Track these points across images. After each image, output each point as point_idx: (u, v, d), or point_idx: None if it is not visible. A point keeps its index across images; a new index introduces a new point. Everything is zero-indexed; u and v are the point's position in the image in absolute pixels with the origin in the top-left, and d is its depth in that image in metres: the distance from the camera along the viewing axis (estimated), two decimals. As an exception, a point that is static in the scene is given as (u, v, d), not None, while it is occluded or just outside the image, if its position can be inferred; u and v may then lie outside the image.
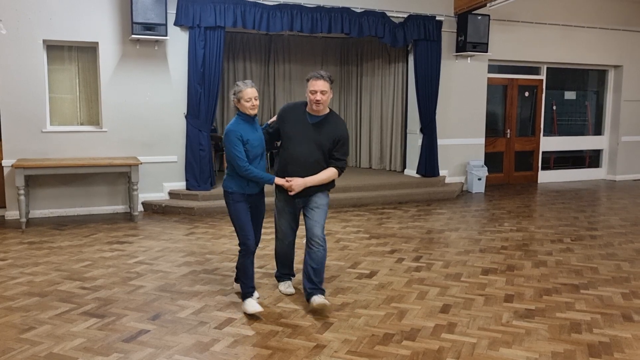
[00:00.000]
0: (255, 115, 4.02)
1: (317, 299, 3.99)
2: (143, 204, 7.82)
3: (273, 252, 4.67)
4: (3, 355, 3.30)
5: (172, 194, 8.07)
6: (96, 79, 7.72)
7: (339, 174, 4.18)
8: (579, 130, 11.75)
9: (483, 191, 9.84)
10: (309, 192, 4.12)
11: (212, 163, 8.38)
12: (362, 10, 8.73)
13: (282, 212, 4.34)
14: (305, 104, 4.17)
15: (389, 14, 8.95)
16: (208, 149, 8.12)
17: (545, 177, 11.26)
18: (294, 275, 4.62)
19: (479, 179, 9.83)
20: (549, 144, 11.26)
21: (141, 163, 7.31)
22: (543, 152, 11.21)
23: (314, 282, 4.09)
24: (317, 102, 3.98)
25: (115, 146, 7.66)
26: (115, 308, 4.11)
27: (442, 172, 9.72)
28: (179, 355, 3.35)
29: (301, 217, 4.33)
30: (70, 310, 4.06)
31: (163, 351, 3.39)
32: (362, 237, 6.38)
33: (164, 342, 3.52)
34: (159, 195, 8.02)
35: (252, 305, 3.97)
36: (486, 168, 9.93)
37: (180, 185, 8.12)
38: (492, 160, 10.51)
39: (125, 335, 3.63)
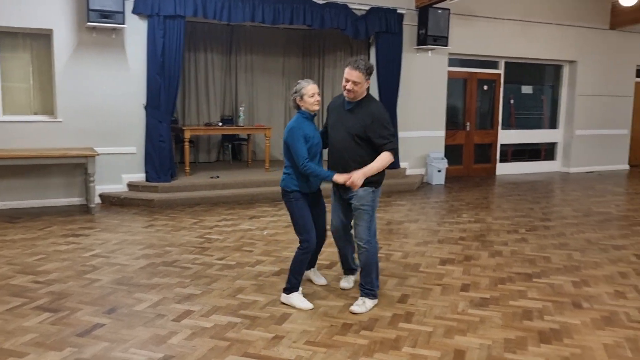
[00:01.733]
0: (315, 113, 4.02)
1: (353, 307, 3.95)
2: (100, 196, 7.67)
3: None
4: (-50, 352, 3.20)
5: (131, 186, 7.93)
6: (50, 68, 7.50)
7: (394, 156, 3.90)
8: (535, 124, 12.05)
9: (443, 183, 10.00)
10: (350, 187, 3.90)
11: (173, 154, 8.27)
12: (325, 2, 8.73)
13: (334, 205, 4.26)
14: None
15: (350, 6, 8.96)
16: (168, 141, 8.00)
17: (503, 169, 11.51)
18: (356, 269, 4.43)
19: (439, 171, 9.98)
20: (507, 137, 11.51)
21: (98, 154, 7.15)
22: (501, 145, 11.45)
23: (361, 283, 4.08)
24: (349, 91, 3.87)
25: (71, 137, 7.47)
26: (69, 302, 4.02)
27: (402, 164, 9.83)
28: (135, 348, 3.30)
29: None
30: (22, 304, 3.96)
31: (118, 345, 3.34)
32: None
33: (119, 336, 3.47)
34: (118, 187, 7.87)
35: (301, 300, 4.01)
36: (446, 160, 10.09)
37: (139, 176, 7.99)
38: (452, 152, 10.68)
39: (79, 329, 3.56)
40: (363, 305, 3.96)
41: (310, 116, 3.99)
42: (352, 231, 4.26)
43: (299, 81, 4.01)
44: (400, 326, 3.70)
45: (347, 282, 4.46)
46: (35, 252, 5.30)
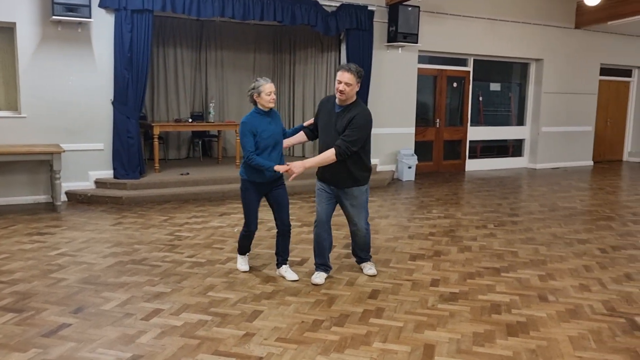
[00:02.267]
0: (272, 108, 4.33)
1: (368, 271, 4.66)
2: (67, 193, 7.51)
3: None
4: None
5: (99, 183, 7.79)
6: (14, 62, 7.31)
7: (337, 155, 4.08)
8: (503, 121, 12.25)
9: (413, 179, 10.09)
10: (340, 183, 4.31)
11: (142, 151, 8.15)
12: (295, -2, 8.71)
13: (320, 199, 4.47)
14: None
15: (321, 2, 8.96)
16: (137, 137, 7.88)
17: (472, 165, 11.67)
18: (330, 268, 4.60)
19: (409, 167, 10.07)
20: (476, 133, 11.67)
21: (64, 151, 6.99)
22: (470, 142, 11.61)
23: (364, 255, 4.72)
24: (341, 92, 4.07)
25: (36, 133, 7.29)
26: (34, 302, 3.93)
27: (373, 161, 9.87)
28: (102, 348, 3.25)
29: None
30: (-15, 305, 3.85)
31: (85, 345, 3.28)
32: (294, 225, 6.38)
33: (86, 336, 3.40)
34: (85, 185, 7.72)
35: (242, 264, 4.77)
36: (416, 157, 10.18)
37: (107, 173, 7.85)
38: (422, 149, 10.79)
39: (44, 330, 3.48)
40: (373, 267, 4.71)
41: (263, 112, 4.29)
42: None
43: (257, 78, 4.31)
44: (371, 322, 3.72)
45: (320, 278, 4.47)
46: (-1, 251, 5.17)
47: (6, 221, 6.34)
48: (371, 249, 4.87)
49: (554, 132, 12.22)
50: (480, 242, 5.86)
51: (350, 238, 4.76)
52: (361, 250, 4.71)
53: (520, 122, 12.33)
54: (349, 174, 4.26)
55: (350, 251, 4.93)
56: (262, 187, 4.41)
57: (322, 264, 4.54)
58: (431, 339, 3.47)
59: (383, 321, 3.74)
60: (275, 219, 4.56)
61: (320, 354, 3.24)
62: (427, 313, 3.89)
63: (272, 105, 4.30)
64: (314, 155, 4.56)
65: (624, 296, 4.29)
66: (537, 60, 11.93)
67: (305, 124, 4.67)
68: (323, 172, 4.36)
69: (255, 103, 4.31)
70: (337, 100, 4.21)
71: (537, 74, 12.05)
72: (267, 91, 4.23)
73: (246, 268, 4.73)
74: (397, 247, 5.58)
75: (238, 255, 4.80)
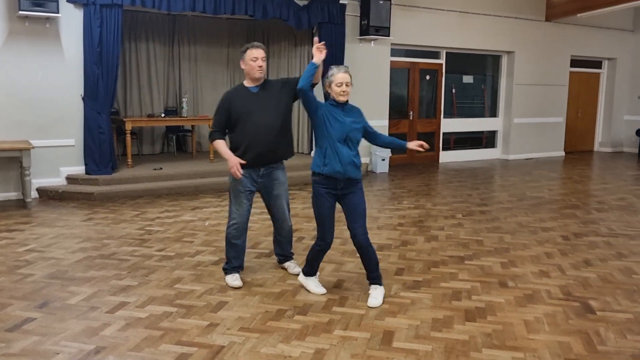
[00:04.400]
0: (346, 102, 3.83)
1: (295, 269, 4.49)
2: (38, 190, 7.48)
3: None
4: None
5: (70, 179, 7.76)
6: (-19, 58, 7.24)
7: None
8: (476, 113, 12.41)
9: (387, 171, 10.20)
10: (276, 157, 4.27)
11: (114, 146, 8.13)
12: (266, -9, 8.72)
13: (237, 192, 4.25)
14: (242, 85, 4.18)
15: (293, -4, 9.00)
16: (108, 132, 7.86)
17: (446, 157, 11.82)
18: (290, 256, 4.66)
19: (383, 160, 10.17)
20: (449, 125, 11.81)
21: (33, 147, 6.96)
22: (444, 133, 11.75)
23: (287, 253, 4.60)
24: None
25: (5, 129, 7.24)
26: (-1, 297, 3.95)
27: (347, 154, 9.94)
28: (66, 341, 3.28)
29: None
30: (-51, 301, 3.86)
31: (49, 338, 3.31)
32: (264, 219, 6.42)
33: (50, 330, 3.43)
34: (56, 181, 7.69)
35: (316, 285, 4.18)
36: (389, 149, 10.28)
37: (79, 169, 7.82)
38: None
39: (8, 324, 3.50)
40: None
41: (337, 105, 3.83)
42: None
43: (332, 66, 3.85)
44: (334, 310, 3.80)
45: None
46: (-34, 248, 5.15)
47: (-25, 218, 6.31)
48: (335, 241, 4.82)
49: (526, 123, 12.42)
50: (448, 231, 5.98)
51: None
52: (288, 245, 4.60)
53: (493, 113, 12.51)
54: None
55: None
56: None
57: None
58: (391, 326, 3.56)
59: (345, 309, 3.82)
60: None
61: (282, 342, 3.32)
62: (389, 301, 3.98)
63: (342, 98, 3.76)
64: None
65: (581, 281, 4.43)
66: (508, 52, 12.11)
67: None
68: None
69: (328, 95, 3.87)
70: (249, 83, 4.13)
71: (508, 66, 12.23)
72: (337, 82, 3.75)
73: (323, 291, 4.09)
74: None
75: (306, 277, 4.14)
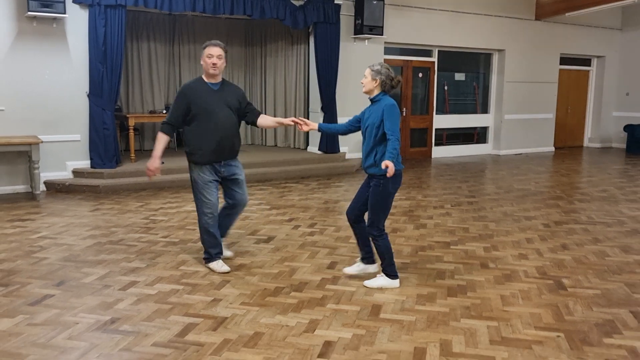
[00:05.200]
0: (372, 97, 4.18)
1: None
2: (46, 183, 7.80)
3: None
4: None
5: (77, 173, 8.09)
6: (-10, 57, 7.56)
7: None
8: (468, 109, 12.76)
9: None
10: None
11: (117, 141, 8.45)
12: (264, -8, 9.05)
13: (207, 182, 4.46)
14: (201, 80, 4.43)
15: (289, -4, 9.33)
16: (112, 128, 8.18)
17: (439, 152, 12.18)
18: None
19: (377, 155, 10.49)
20: (441, 121, 12.16)
21: (42, 142, 7.29)
22: (436, 129, 12.10)
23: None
24: (214, 65, 4.24)
25: (15, 125, 7.56)
26: (19, 278, 4.28)
27: (342, 149, 10.31)
28: (84, 313, 3.62)
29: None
30: (-27, 281, 4.19)
31: (68, 311, 3.65)
32: (263, 209, 6.80)
33: (69, 304, 3.77)
34: (63, 174, 8.01)
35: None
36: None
37: (84, 163, 8.15)
38: (389, 137, 11.20)
39: (30, 300, 3.84)
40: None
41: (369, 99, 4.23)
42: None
43: (384, 65, 4.12)
44: (327, 287, 4.15)
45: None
46: (-18, 235, 5.48)
47: (-13, 209, 6.64)
48: (329, 229, 5.23)
49: (516, 119, 12.78)
50: (436, 220, 6.33)
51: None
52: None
53: (485, 110, 12.86)
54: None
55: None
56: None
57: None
58: (379, 301, 3.91)
59: (338, 287, 4.17)
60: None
61: (279, 314, 3.66)
62: (379, 280, 4.32)
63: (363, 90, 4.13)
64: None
65: (557, 263, 4.79)
66: (499, 50, 12.45)
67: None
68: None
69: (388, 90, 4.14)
70: (209, 78, 4.39)
71: (499, 64, 12.58)
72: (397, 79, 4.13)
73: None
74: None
75: (388, 278, 4.17)
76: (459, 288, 4.17)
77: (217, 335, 3.32)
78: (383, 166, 3.75)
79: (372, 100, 4.17)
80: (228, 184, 4.56)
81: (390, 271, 4.19)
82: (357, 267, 4.38)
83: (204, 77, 4.44)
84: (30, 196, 7.42)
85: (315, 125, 4.48)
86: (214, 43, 4.36)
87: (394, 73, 4.14)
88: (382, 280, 4.18)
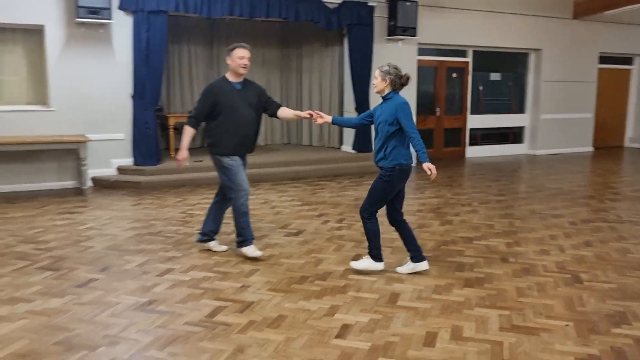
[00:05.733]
0: (384, 96, 4.47)
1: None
2: (92, 179, 8.28)
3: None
4: (-30, 299, 3.85)
5: (120, 170, 8.55)
6: (42, 61, 8.08)
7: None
8: (503, 109, 12.74)
9: (414, 165, 10.66)
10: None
11: (158, 140, 8.88)
12: (299, -4, 9.35)
13: (240, 169, 4.81)
14: (225, 79, 4.76)
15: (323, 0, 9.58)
16: (154, 127, 8.62)
17: (473, 152, 12.21)
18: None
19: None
20: (476, 121, 12.19)
21: (89, 140, 7.76)
22: (470, 129, 12.14)
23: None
24: (245, 66, 4.67)
25: (64, 125, 8.06)
26: (67, 263, 4.67)
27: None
28: (125, 295, 3.96)
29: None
30: (27, 265, 4.60)
31: (111, 293, 4.00)
32: (295, 204, 7.08)
33: (112, 287, 4.12)
34: (108, 171, 8.49)
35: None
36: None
37: (128, 161, 8.61)
38: (423, 136, 11.25)
39: (77, 282, 4.21)
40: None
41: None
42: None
43: (393, 65, 4.42)
44: (350, 277, 4.38)
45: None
46: (35, 226, 5.93)
47: (39, 203, 7.12)
48: (357, 224, 5.46)
49: (553, 119, 12.69)
50: (462, 217, 6.47)
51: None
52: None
53: (520, 110, 12.81)
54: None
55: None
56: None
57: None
58: (397, 290, 4.11)
59: (360, 277, 4.39)
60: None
61: (303, 299, 3.91)
62: (400, 271, 4.53)
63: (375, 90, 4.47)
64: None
65: (577, 258, 4.88)
66: (536, 50, 12.40)
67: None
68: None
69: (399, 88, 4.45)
70: (234, 78, 4.75)
71: (536, 64, 12.52)
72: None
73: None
74: (384, 222, 6.18)
75: (372, 260, 4.48)
76: (477, 280, 4.33)
77: (244, 317, 3.60)
78: (427, 169, 4.22)
79: (384, 98, 4.41)
80: None
81: (375, 254, 4.48)
82: (408, 267, 4.52)
83: (228, 76, 4.79)
84: (78, 191, 7.90)
85: (330, 118, 4.75)
86: (243, 45, 4.71)
87: (402, 71, 4.41)
88: (367, 262, 4.48)
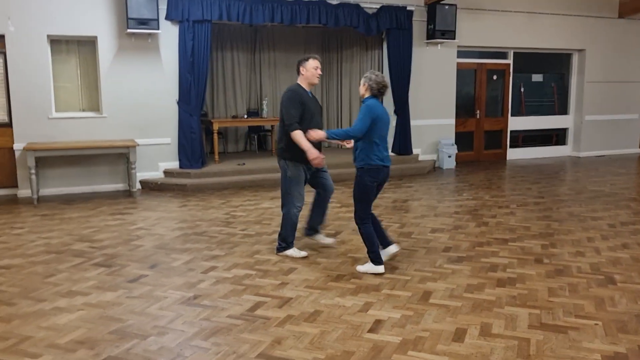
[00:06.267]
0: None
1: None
2: (140, 182, 8.69)
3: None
4: (33, 292, 4.20)
5: (167, 173, 8.94)
6: (95, 70, 8.54)
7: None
8: (545, 111, 12.61)
9: (453, 167, 10.73)
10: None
11: (203, 144, 9.24)
12: (338, 2, 9.55)
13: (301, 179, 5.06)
14: (299, 86, 4.97)
15: (362, 5, 9.76)
16: (198, 132, 8.98)
17: (514, 154, 12.14)
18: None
19: (449, 156, 10.71)
20: (517, 123, 12.12)
21: (138, 145, 8.17)
22: (511, 131, 12.08)
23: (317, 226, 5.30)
24: (320, 75, 4.96)
25: (115, 130, 8.51)
26: (119, 260, 5.00)
27: (415, 150, 10.60)
28: (172, 290, 4.24)
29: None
30: (83, 262, 4.95)
31: (159, 288, 4.29)
32: (334, 206, 7.27)
33: (160, 282, 4.41)
34: (155, 174, 8.89)
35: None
36: (456, 146, 10.81)
37: (174, 164, 8.99)
38: (463, 139, 11.39)
39: (129, 278, 4.52)
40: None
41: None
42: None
43: (376, 72, 4.59)
44: (385, 276, 4.54)
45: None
46: (89, 226, 6.32)
47: (93, 204, 7.55)
48: (394, 225, 5.63)
49: (598, 120, 12.48)
50: (499, 219, 6.53)
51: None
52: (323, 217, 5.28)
53: (563, 111, 12.65)
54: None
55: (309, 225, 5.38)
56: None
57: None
58: (430, 288, 4.25)
59: (394, 275, 4.55)
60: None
61: (338, 296, 4.10)
62: (433, 271, 4.67)
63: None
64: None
65: (613, 260, 4.90)
66: (579, 50, 12.23)
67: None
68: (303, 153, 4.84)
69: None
70: (309, 87, 5.00)
71: (579, 64, 12.35)
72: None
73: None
74: (421, 223, 6.35)
75: (372, 264, 4.63)
76: (509, 280, 4.42)
77: (282, 312, 3.81)
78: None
79: (362, 102, 4.64)
80: (316, 175, 5.11)
81: (372, 257, 4.62)
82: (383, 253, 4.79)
83: (301, 84, 4.99)
84: (127, 193, 8.32)
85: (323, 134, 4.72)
86: (316, 57, 5.02)
87: (383, 79, 4.57)
88: (368, 266, 4.64)
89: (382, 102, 4.75)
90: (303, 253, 5.09)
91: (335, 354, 3.19)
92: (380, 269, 4.60)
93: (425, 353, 3.20)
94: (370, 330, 3.50)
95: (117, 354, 3.21)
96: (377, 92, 4.58)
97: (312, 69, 4.92)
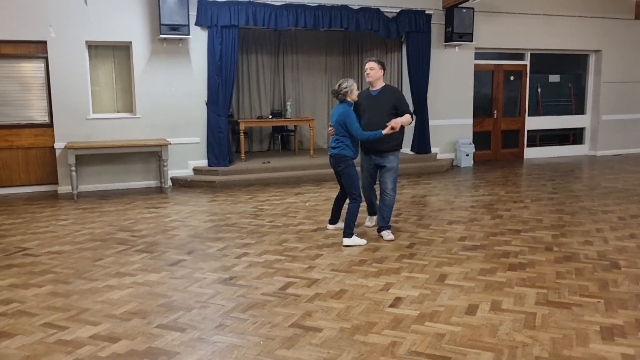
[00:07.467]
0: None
1: (387, 236, 5.65)
2: (171, 179, 9.17)
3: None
4: (86, 273, 4.65)
5: (196, 170, 9.41)
6: (130, 73, 9.05)
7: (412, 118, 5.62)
8: (562, 111, 12.84)
9: (471, 166, 11.04)
10: (381, 150, 5.58)
11: (230, 143, 9.69)
12: (359, 7, 9.94)
13: (363, 167, 5.85)
14: (368, 88, 5.75)
15: (382, 9, 10.13)
16: (226, 132, 9.43)
17: (531, 153, 12.40)
18: (377, 212, 5.94)
19: (467, 155, 11.02)
20: (534, 123, 12.38)
21: (170, 144, 8.64)
22: (528, 131, 12.34)
23: (384, 220, 5.72)
24: (368, 74, 5.59)
25: (147, 130, 9.00)
26: (159, 247, 5.45)
27: (433, 150, 10.94)
28: (209, 272, 4.66)
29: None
30: (127, 249, 5.41)
31: (197, 270, 4.72)
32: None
33: (198, 266, 4.84)
34: (185, 172, 9.37)
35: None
36: (473, 145, 11.12)
37: (203, 162, 9.46)
38: (481, 138, 11.69)
39: (169, 262, 4.96)
40: (389, 234, 5.69)
41: (352, 104, 5.61)
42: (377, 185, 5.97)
43: (347, 79, 5.52)
44: (404, 261, 4.91)
45: (371, 221, 6.07)
46: (127, 218, 6.79)
47: (129, 199, 8.04)
48: (413, 218, 6.01)
49: (614, 120, 12.67)
50: (513, 212, 6.85)
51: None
52: (384, 214, 5.70)
53: (580, 111, 12.87)
54: (395, 139, 5.56)
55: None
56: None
57: (371, 212, 6.16)
58: (446, 272, 4.62)
59: (413, 261, 4.92)
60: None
61: (361, 278, 4.49)
62: (449, 257, 5.02)
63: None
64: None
65: (619, 248, 5.21)
66: (595, 51, 12.45)
67: None
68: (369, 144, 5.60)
69: (344, 99, 5.55)
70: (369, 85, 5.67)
71: (596, 65, 12.57)
72: (356, 90, 5.59)
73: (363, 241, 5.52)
74: (438, 216, 6.70)
75: (354, 237, 5.50)
76: (520, 265, 4.76)
77: (311, 290, 4.21)
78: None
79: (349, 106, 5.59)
80: (379, 170, 5.77)
81: (350, 232, 5.46)
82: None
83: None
84: (159, 190, 8.80)
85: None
86: (368, 59, 5.69)
87: (349, 87, 5.44)
88: (351, 239, 5.47)
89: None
90: (364, 241, 5.59)
91: (360, 324, 3.58)
92: (362, 241, 5.51)
93: (440, 324, 3.57)
94: (391, 306, 3.88)
95: (166, 322, 3.63)
96: (342, 97, 5.53)
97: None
